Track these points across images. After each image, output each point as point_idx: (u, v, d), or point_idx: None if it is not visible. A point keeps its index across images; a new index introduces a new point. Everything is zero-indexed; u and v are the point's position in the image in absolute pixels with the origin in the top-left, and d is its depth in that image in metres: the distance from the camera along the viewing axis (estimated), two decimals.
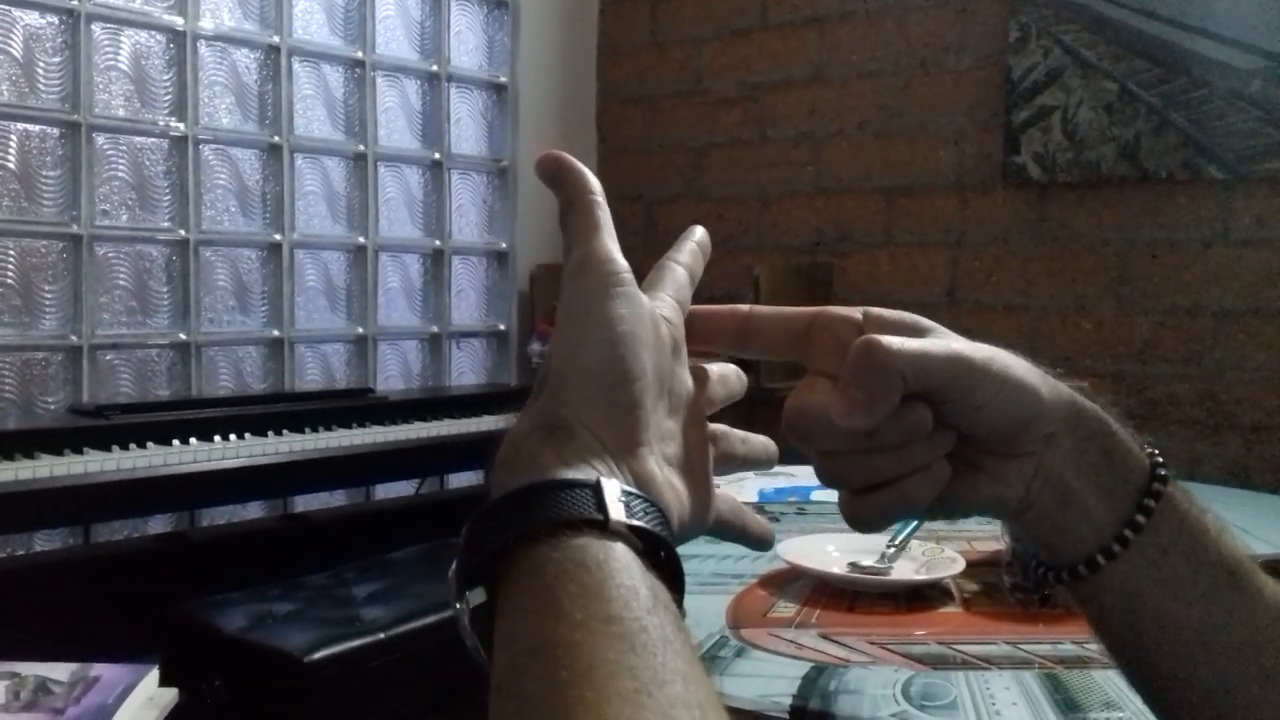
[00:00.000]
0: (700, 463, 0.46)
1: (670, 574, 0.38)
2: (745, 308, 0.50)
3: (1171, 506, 0.44)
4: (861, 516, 0.45)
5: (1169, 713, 0.46)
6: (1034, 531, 0.46)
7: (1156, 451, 0.45)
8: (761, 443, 0.54)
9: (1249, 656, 0.43)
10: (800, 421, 0.45)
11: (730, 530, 0.51)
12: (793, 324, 0.49)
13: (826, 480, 0.46)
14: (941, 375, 0.42)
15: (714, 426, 0.51)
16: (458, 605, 0.38)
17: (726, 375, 0.52)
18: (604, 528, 0.36)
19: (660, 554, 0.38)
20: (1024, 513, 0.45)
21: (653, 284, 0.48)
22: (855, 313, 0.47)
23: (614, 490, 0.37)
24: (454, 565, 0.38)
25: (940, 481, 0.44)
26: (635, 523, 0.37)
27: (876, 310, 0.47)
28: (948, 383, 0.42)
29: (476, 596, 0.37)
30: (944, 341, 0.44)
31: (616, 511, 0.37)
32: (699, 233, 0.53)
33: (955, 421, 0.44)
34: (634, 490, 0.39)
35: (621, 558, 0.35)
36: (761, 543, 0.53)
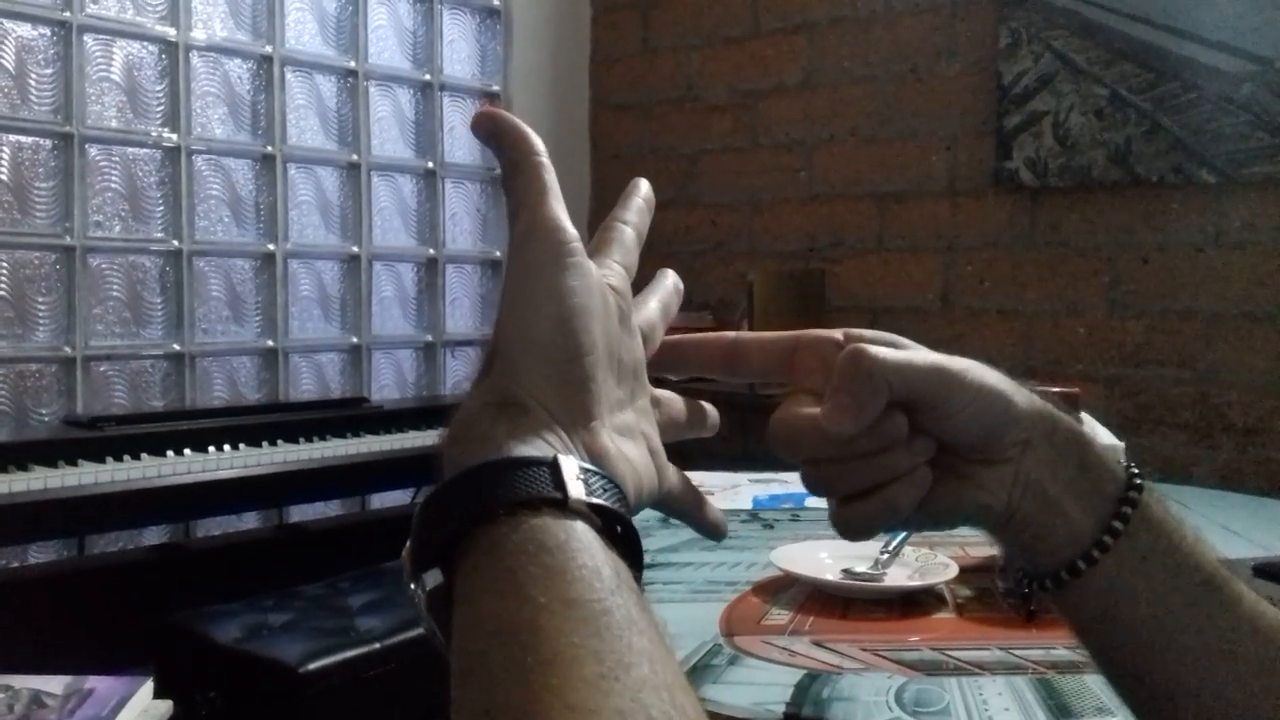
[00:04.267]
0: (649, 431, 0.46)
1: (629, 549, 0.37)
2: (731, 335, 0.52)
3: (1149, 514, 0.46)
4: (850, 525, 0.47)
5: (1150, 717, 0.46)
6: (1018, 539, 0.48)
7: (1132, 464, 0.47)
8: (707, 407, 0.54)
9: (1226, 662, 0.44)
10: (785, 433, 0.47)
11: (681, 505, 0.50)
12: (778, 347, 0.51)
13: (812, 488, 0.47)
14: (923, 383, 0.45)
15: (657, 392, 0.51)
16: (412, 586, 0.37)
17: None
18: (563, 506, 0.36)
19: (618, 529, 0.37)
20: (1008, 521, 0.47)
21: (599, 249, 0.48)
22: (836, 333, 0.49)
23: (571, 468, 0.37)
24: (407, 545, 0.37)
25: (922, 488, 0.46)
26: (594, 500, 0.37)
27: (856, 331, 0.49)
28: (928, 390, 0.45)
29: (433, 578, 0.36)
30: (924, 353, 0.47)
31: (575, 490, 0.36)
32: (644, 187, 0.52)
33: (934, 428, 0.46)
34: (591, 467, 0.38)
35: (582, 537, 0.35)
36: (715, 529, 0.52)
